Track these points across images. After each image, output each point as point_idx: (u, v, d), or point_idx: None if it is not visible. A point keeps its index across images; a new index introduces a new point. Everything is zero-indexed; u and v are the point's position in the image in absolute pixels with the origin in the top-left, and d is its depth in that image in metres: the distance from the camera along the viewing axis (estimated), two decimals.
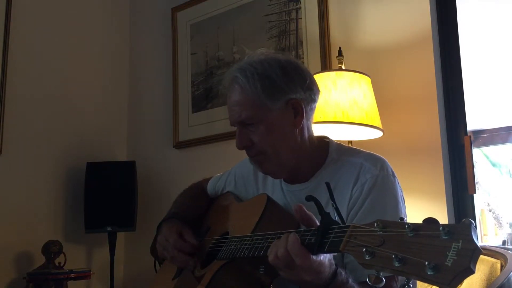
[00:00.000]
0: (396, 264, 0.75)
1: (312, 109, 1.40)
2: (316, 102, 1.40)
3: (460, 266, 0.68)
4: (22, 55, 2.86)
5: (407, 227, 0.78)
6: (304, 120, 1.36)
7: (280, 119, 1.33)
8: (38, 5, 2.98)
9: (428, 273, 0.70)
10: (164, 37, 3.22)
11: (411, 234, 0.77)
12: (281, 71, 1.33)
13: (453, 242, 0.70)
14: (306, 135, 1.38)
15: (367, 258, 0.80)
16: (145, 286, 1.93)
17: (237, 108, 1.34)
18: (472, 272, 0.67)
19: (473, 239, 0.69)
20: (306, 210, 1.08)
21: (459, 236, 0.71)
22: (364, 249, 0.81)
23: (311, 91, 1.37)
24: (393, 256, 0.76)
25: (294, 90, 1.34)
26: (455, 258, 0.68)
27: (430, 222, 0.77)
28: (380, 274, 0.80)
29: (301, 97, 1.35)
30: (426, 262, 0.70)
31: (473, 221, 0.72)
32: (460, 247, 0.69)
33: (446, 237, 0.71)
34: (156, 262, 1.68)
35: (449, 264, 0.68)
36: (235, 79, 1.35)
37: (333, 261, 1.06)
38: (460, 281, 0.67)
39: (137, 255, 3.10)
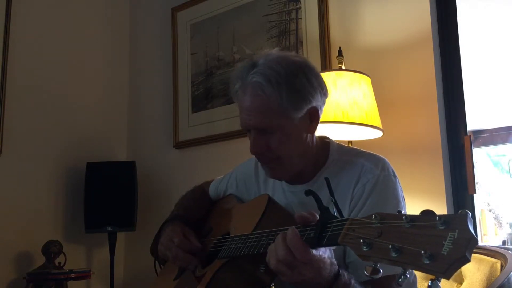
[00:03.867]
0: (393, 255, 0.75)
1: (321, 113, 1.38)
2: (325, 105, 1.38)
3: (455, 254, 0.68)
4: (22, 55, 2.87)
5: (404, 219, 0.79)
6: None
7: (298, 126, 1.30)
8: (38, 5, 2.99)
9: (424, 262, 0.70)
10: (164, 37, 3.23)
11: (408, 225, 0.77)
12: (305, 78, 1.28)
13: (449, 232, 0.71)
14: (313, 138, 1.38)
15: (364, 249, 0.81)
16: (145, 286, 1.93)
17: (256, 114, 1.28)
18: (467, 260, 0.67)
19: (469, 229, 0.70)
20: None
21: (455, 226, 0.71)
22: (362, 240, 0.82)
23: (325, 96, 1.36)
24: (390, 247, 0.76)
25: (315, 98, 1.31)
26: (451, 247, 0.69)
27: (427, 213, 0.77)
28: (377, 266, 0.80)
29: (319, 104, 1.33)
30: (422, 251, 0.71)
31: (469, 212, 0.72)
32: (456, 237, 0.70)
33: (442, 227, 0.72)
34: (156, 263, 1.68)
35: (445, 253, 0.69)
36: (257, 84, 1.26)
37: (334, 261, 1.06)
38: (456, 270, 0.67)
39: (137, 255, 3.10)
